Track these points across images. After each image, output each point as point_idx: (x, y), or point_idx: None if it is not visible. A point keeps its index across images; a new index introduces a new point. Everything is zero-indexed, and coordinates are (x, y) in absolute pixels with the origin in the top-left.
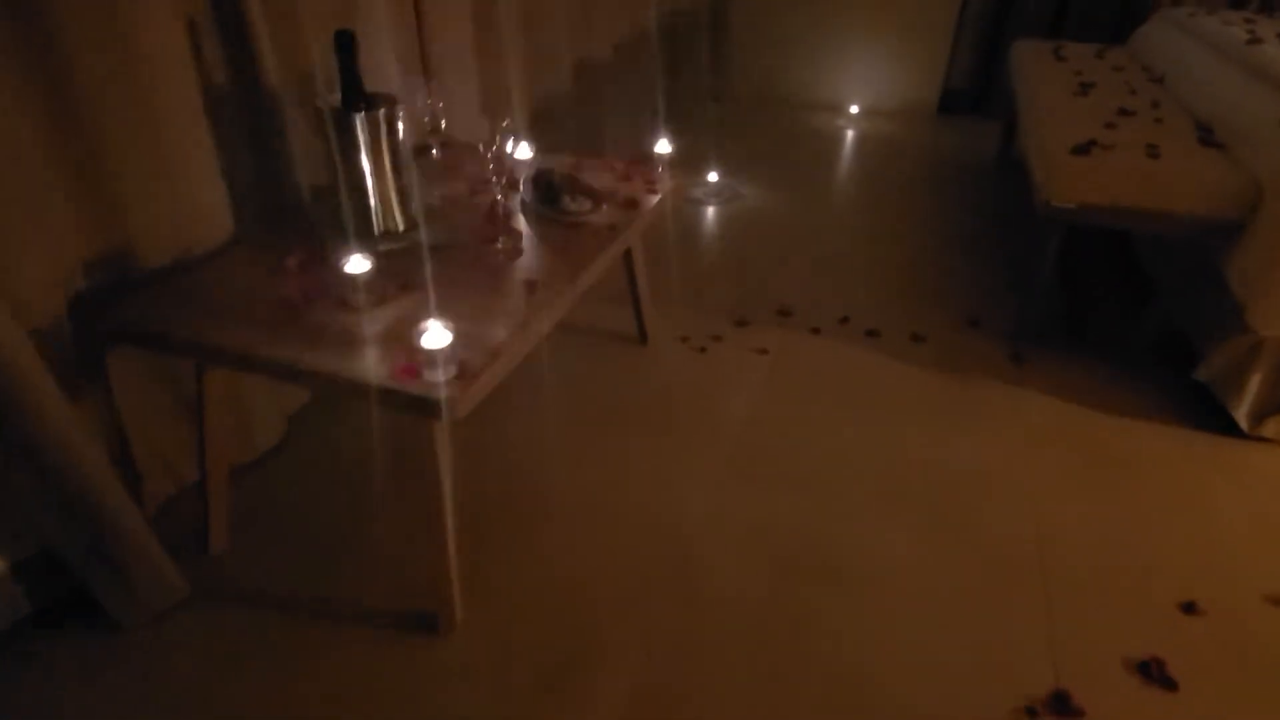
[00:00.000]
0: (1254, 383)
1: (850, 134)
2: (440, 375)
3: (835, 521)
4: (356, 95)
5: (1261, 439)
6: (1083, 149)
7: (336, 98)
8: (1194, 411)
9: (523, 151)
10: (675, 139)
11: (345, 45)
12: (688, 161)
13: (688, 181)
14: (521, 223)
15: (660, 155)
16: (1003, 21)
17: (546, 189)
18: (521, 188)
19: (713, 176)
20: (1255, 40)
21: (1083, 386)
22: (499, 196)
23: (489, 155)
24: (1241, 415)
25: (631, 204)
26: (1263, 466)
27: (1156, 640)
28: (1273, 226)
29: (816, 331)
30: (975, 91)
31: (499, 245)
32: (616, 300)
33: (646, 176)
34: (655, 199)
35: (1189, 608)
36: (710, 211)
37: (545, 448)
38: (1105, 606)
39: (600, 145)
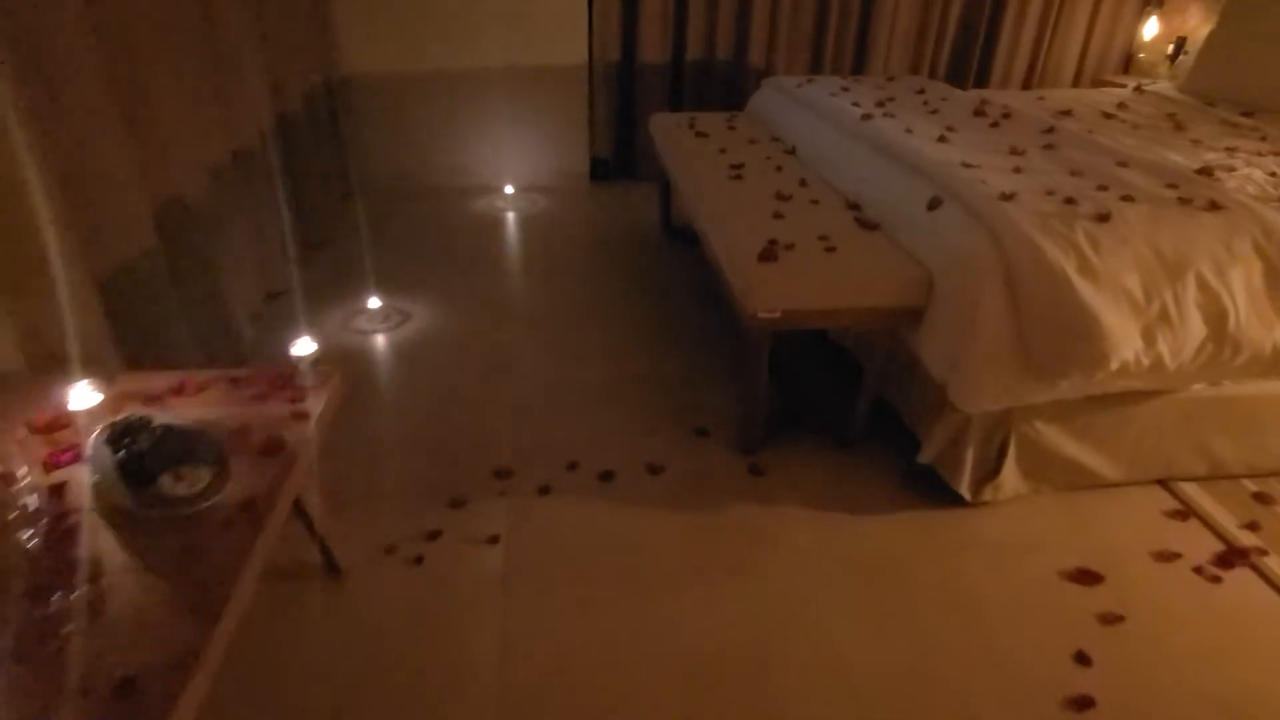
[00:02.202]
0: (969, 456)
1: (511, 216)
2: None
3: None
4: None
5: (983, 503)
6: (769, 254)
7: None
8: (926, 488)
9: (83, 396)
10: (322, 262)
11: None
12: (340, 287)
13: (344, 313)
14: (98, 541)
15: (305, 358)
16: (629, 90)
17: (132, 466)
18: (88, 470)
19: (374, 302)
20: (867, 116)
21: (826, 489)
22: (37, 507)
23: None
24: (964, 489)
25: (275, 447)
26: (993, 532)
27: None
28: (948, 308)
29: (546, 491)
30: (622, 156)
31: (56, 611)
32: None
33: (291, 390)
34: (310, 426)
35: None
36: (379, 346)
37: None
38: None
39: (217, 328)
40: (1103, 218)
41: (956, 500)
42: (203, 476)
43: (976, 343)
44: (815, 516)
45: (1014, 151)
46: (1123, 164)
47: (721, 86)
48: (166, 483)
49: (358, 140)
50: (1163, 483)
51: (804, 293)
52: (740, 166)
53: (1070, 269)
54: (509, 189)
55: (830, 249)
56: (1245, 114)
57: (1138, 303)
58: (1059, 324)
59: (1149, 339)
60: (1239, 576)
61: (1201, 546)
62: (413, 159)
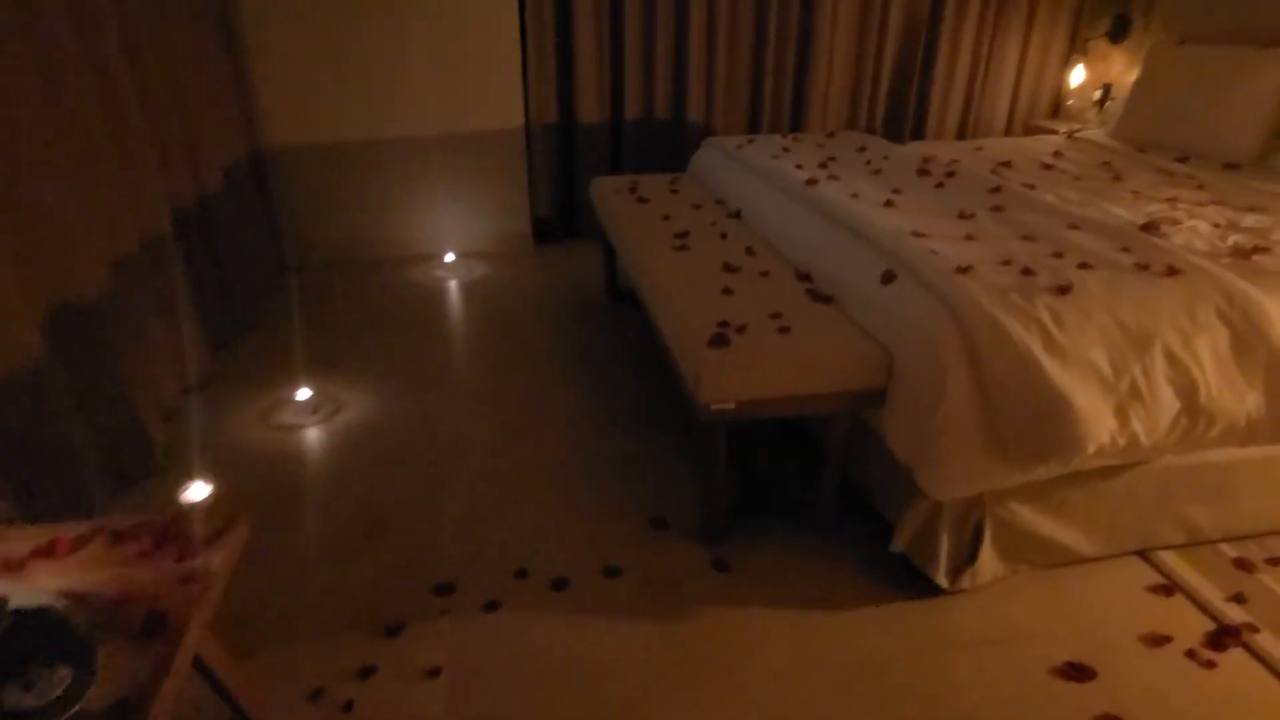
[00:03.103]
0: (943, 543)
1: (453, 285)
2: None
3: None
4: None
5: (961, 591)
6: (720, 340)
7: None
8: (902, 576)
9: None
10: (248, 349)
11: None
12: (268, 375)
13: (270, 405)
14: None
15: (199, 505)
16: (568, 150)
17: None
18: None
19: (303, 391)
20: (812, 181)
21: (797, 581)
22: None
23: None
24: (941, 576)
25: (155, 624)
26: (974, 624)
27: None
28: (910, 390)
29: (493, 607)
30: (565, 215)
31: None
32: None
33: (182, 544)
34: (202, 591)
35: None
36: (307, 442)
37: None
38: None
39: (122, 437)
40: (1063, 289)
41: (934, 588)
42: (60, 679)
43: (943, 428)
44: (788, 616)
45: (963, 215)
46: (1074, 226)
47: (662, 145)
48: (11, 695)
49: (290, 214)
50: (1141, 554)
51: (759, 381)
52: (685, 235)
53: (1037, 348)
54: (450, 256)
55: (784, 329)
56: (1179, 160)
57: (1107, 380)
58: (1031, 409)
59: (1122, 418)
60: (1233, 659)
61: (1190, 625)
62: (349, 231)
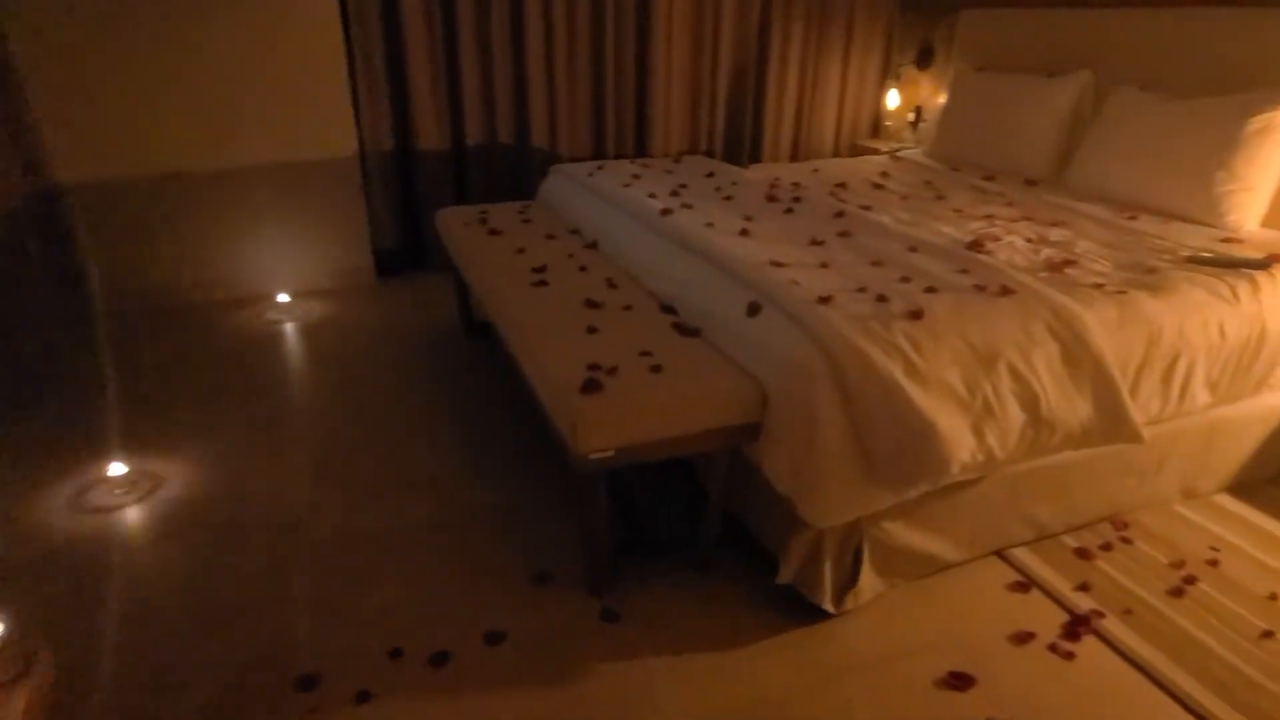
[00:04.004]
0: (827, 570)
1: (289, 329)
2: None
3: None
4: None
5: (845, 612)
6: (592, 385)
7: None
8: (789, 604)
9: None
10: (42, 420)
11: None
12: (70, 449)
13: (75, 486)
14: None
15: None
16: (409, 179)
17: None
18: None
19: (117, 468)
20: (666, 211)
21: (688, 624)
22: None
23: None
24: (827, 602)
25: None
26: (861, 644)
27: None
28: (785, 422)
29: (365, 698)
30: (410, 247)
31: None
32: None
33: None
34: None
35: None
36: (124, 525)
37: None
38: None
39: None
40: (916, 315)
41: (821, 613)
42: None
43: (820, 458)
44: (681, 663)
45: (815, 242)
46: (914, 249)
47: (508, 172)
48: None
49: (100, 258)
50: (999, 554)
51: (636, 426)
52: (542, 270)
53: (899, 374)
54: (283, 297)
55: (656, 368)
56: (987, 178)
57: (963, 399)
58: (899, 434)
59: (979, 434)
60: (1088, 648)
61: (1048, 619)
62: (168, 273)
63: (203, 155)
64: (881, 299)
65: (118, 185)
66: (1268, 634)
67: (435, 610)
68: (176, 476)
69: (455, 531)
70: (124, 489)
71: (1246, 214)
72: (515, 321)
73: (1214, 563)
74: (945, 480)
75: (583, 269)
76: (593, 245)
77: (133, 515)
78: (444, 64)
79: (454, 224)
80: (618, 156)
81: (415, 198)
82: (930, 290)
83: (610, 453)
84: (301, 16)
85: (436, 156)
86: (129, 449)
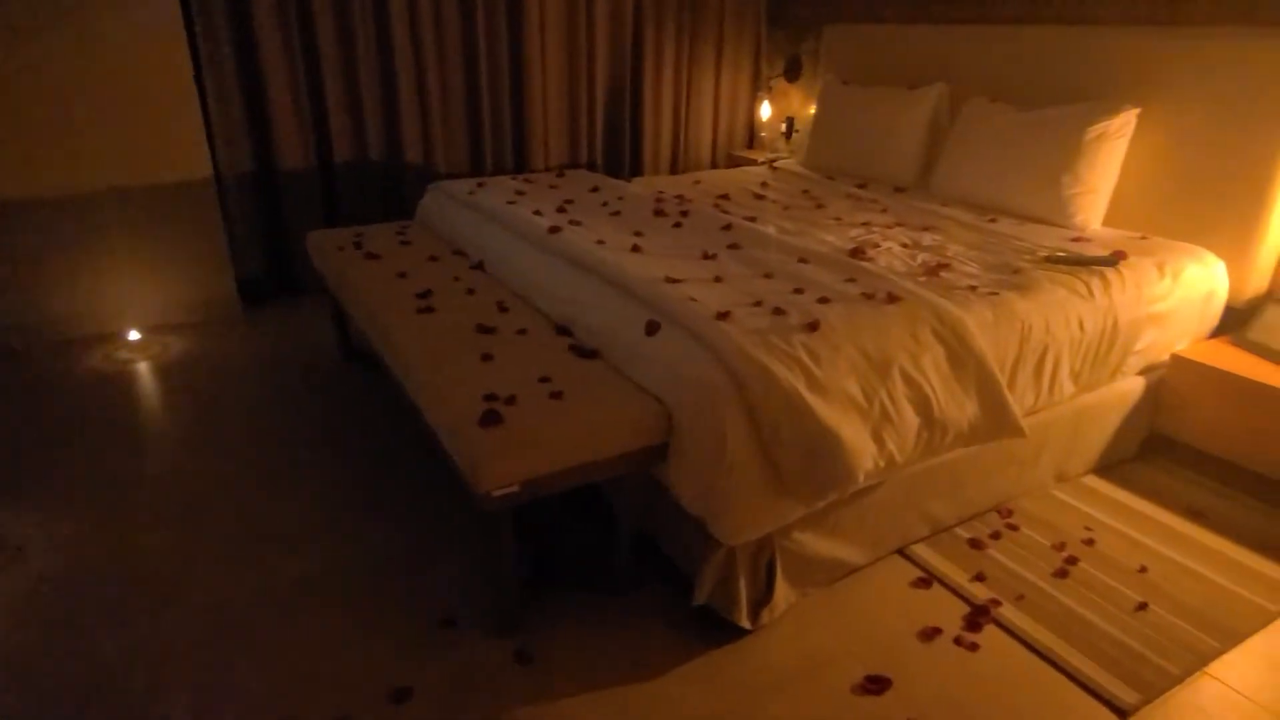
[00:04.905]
0: (742, 587)
1: (144, 368)
2: None
3: None
4: None
5: (761, 627)
6: (491, 417)
7: None
8: (706, 624)
9: None
10: None
11: None
12: None
13: None
14: None
15: None
16: (273, 201)
17: None
18: None
19: None
20: (555, 228)
21: (605, 657)
22: None
23: None
24: (743, 619)
25: None
26: (779, 659)
27: None
28: (692, 441)
29: None
30: (278, 272)
31: None
32: None
33: None
34: None
35: None
36: None
37: None
38: None
39: None
40: (812, 327)
41: (738, 630)
42: None
43: (729, 476)
44: (602, 699)
45: (706, 256)
46: (803, 260)
47: (380, 190)
48: None
49: None
50: (900, 552)
51: (541, 457)
52: (427, 294)
53: (801, 387)
54: (134, 334)
55: (556, 394)
56: (860, 186)
57: (863, 408)
58: (806, 447)
59: (879, 441)
60: (990, 637)
61: (951, 612)
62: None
63: (36, 181)
64: (778, 312)
65: None
66: (1143, 606)
67: (331, 672)
68: (35, 544)
69: (346, 581)
70: None
71: (1091, 215)
72: (402, 351)
73: (1090, 542)
74: (853, 489)
75: (470, 292)
76: (479, 266)
77: None
78: (305, 79)
79: (327, 248)
80: (497, 172)
81: (281, 220)
82: (823, 301)
83: (515, 488)
84: (142, 32)
85: (302, 176)
86: None
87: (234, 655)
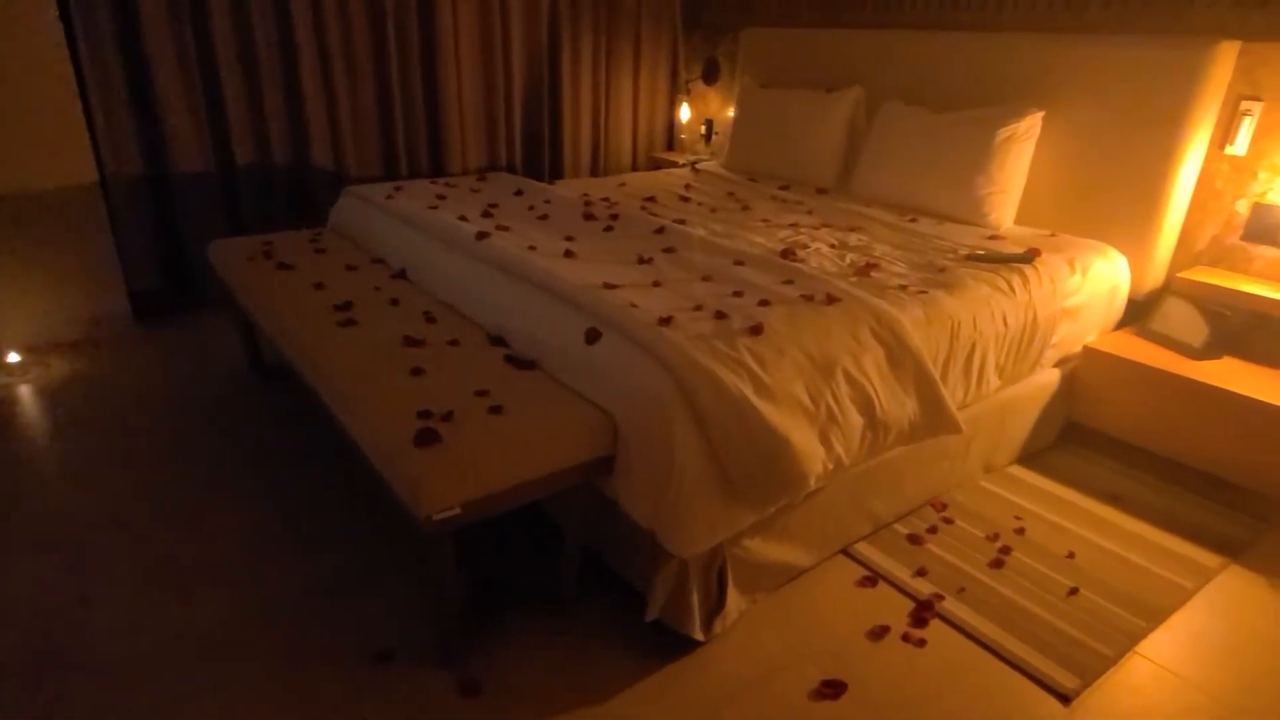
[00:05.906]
0: (694, 599)
1: (24, 392)
2: None
3: None
4: None
5: (714, 638)
6: (427, 436)
7: None
8: (658, 638)
9: None
10: None
11: None
12: None
13: None
14: None
15: None
16: (168, 207)
17: None
18: None
19: None
20: (482, 234)
21: (555, 682)
22: None
23: None
24: (696, 631)
25: None
26: (734, 669)
27: None
28: (639, 452)
29: None
30: (176, 284)
31: None
32: None
33: None
34: None
35: None
36: None
37: None
38: None
39: None
40: (756, 330)
41: (690, 642)
42: None
43: (679, 486)
44: None
45: (642, 260)
46: (740, 263)
47: (287, 195)
48: None
49: None
50: (844, 551)
51: (483, 476)
52: (348, 306)
53: (749, 392)
54: (13, 356)
55: (496, 408)
56: (783, 188)
57: (810, 411)
58: (756, 453)
59: (826, 443)
60: (936, 632)
61: (897, 609)
62: None
63: None
64: (721, 315)
65: None
66: (1074, 591)
67: (258, 717)
68: None
69: (274, 619)
70: None
71: (1004, 213)
72: (325, 368)
73: (1020, 530)
74: (804, 493)
75: (394, 302)
76: (401, 275)
77: None
78: (199, 75)
79: (234, 258)
80: (413, 175)
81: (178, 228)
82: (764, 303)
83: (456, 510)
84: (14, 26)
85: (199, 180)
86: None
87: (146, 710)
